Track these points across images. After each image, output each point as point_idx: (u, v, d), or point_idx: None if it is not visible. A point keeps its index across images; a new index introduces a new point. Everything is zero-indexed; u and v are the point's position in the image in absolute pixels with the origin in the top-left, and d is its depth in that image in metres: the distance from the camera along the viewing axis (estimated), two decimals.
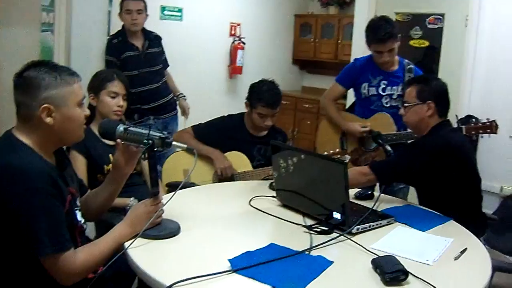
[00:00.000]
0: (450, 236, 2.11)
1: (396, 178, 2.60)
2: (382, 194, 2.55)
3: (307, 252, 1.86)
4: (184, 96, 4.54)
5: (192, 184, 2.92)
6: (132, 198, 2.69)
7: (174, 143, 1.94)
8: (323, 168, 2.15)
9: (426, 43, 5.22)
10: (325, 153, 2.99)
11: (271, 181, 2.73)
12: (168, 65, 4.52)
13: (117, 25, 4.47)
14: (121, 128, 1.94)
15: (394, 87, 3.37)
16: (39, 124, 1.75)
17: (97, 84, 2.77)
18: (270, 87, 3.14)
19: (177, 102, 4.52)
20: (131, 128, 1.94)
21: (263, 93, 3.10)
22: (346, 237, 2.01)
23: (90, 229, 2.50)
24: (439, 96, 2.61)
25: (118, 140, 1.95)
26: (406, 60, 3.48)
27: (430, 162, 2.49)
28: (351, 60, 5.19)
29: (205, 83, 6.45)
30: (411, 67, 3.44)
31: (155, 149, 1.90)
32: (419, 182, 2.72)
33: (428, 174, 2.52)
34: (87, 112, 1.91)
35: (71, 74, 1.83)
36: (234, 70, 6.79)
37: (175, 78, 4.61)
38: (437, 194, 2.59)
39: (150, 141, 1.88)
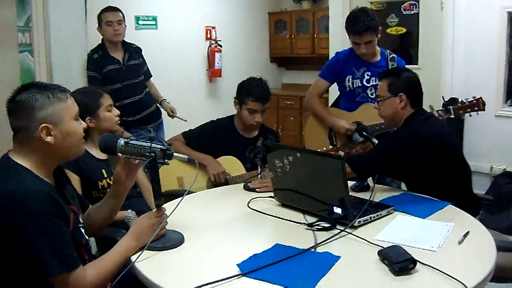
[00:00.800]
0: (450, 221, 2.13)
1: (372, 171, 2.61)
2: (376, 185, 2.57)
3: (313, 250, 1.87)
4: (168, 101, 4.54)
5: (188, 192, 2.91)
6: (129, 211, 2.68)
7: (175, 154, 1.95)
8: (320, 165, 2.16)
9: (403, 30, 5.22)
10: (319, 151, 2.99)
11: (246, 181, 2.79)
12: (151, 76, 4.54)
13: (93, 40, 4.45)
14: (122, 142, 1.93)
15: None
16: (39, 145, 1.74)
17: (93, 105, 2.72)
18: (259, 83, 3.17)
19: (162, 107, 4.52)
20: (132, 142, 1.93)
21: (252, 88, 3.12)
22: (347, 232, 2.02)
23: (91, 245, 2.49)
24: (410, 88, 2.64)
25: (119, 154, 1.94)
26: (388, 50, 3.50)
27: (402, 153, 2.52)
28: (329, 53, 5.25)
29: (186, 88, 6.42)
30: (393, 56, 3.45)
31: (157, 162, 1.90)
32: (398, 174, 2.78)
33: (404, 165, 2.55)
34: (84, 124, 1.90)
35: (63, 90, 1.83)
36: (214, 73, 6.78)
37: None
38: (422, 183, 2.61)
39: (153, 154, 1.88)
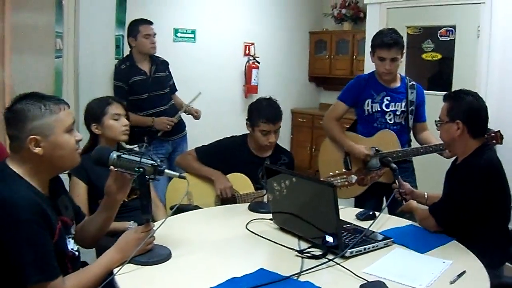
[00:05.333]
0: (450, 258, 2.04)
1: (456, 216, 2.37)
2: (382, 214, 2.50)
3: (295, 278, 1.82)
4: (191, 106, 4.54)
5: (196, 207, 2.91)
6: (131, 222, 2.69)
7: (166, 171, 1.95)
8: (313, 191, 2.12)
9: (439, 56, 5.12)
10: (331, 173, 2.94)
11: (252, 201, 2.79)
12: (176, 90, 4.58)
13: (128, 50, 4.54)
14: (114, 155, 1.95)
15: (397, 103, 3.33)
16: (29, 155, 1.78)
17: (98, 112, 2.79)
18: (269, 103, 3.13)
19: (186, 113, 4.50)
20: (124, 156, 1.95)
21: (263, 109, 3.08)
22: (335, 262, 1.96)
23: (92, 255, 2.51)
24: (469, 116, 2.44)
25: (112, 167, 1.96)
26: (408, 78, 3.44)
27: (479, 185, 2.35)
28: None
29: (221, 103, 6.45)
30: (413, 84, 3.40)
31: (147, 177, 1.91)
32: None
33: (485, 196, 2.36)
34: (79, 136, 1.92)
35: (57, 102, 1.85)
36: (250, 89, 6.81)
37: (190, 99, 4.62)
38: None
39: (141, 169, 1.89)
